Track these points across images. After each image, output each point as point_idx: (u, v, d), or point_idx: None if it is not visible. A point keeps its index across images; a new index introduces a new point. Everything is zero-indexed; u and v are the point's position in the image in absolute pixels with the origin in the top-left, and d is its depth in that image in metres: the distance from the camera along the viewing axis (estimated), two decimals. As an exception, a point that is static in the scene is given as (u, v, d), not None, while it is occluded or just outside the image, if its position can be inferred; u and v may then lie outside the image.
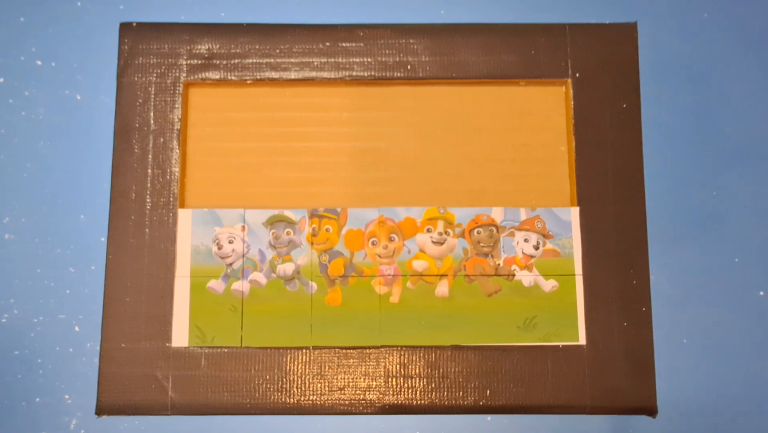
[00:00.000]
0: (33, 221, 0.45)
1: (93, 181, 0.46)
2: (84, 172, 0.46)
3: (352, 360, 0.38)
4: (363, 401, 0.38)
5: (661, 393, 0.39)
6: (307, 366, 0.38)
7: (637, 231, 0.40)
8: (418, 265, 0.39)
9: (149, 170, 0.40)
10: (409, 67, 0.41)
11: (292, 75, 0.41)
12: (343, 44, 0.41)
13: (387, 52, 0.41)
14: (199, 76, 0.41)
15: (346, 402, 0.38)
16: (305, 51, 0.41)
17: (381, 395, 0.38)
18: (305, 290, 0.39)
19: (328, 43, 0.41)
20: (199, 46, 0.41)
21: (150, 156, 0.40)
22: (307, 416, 0.40)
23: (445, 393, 0.38)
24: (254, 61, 0.41)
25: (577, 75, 0.41)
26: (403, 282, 0.39)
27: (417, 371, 0.38)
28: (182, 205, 0.40)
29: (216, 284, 0.39)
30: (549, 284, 0.39)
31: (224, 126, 0.42)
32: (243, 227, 0.39)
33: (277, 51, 0.41)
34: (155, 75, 0.41)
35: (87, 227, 0.45)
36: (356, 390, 0.38)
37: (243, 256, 0.39)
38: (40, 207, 0.46)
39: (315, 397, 0.38)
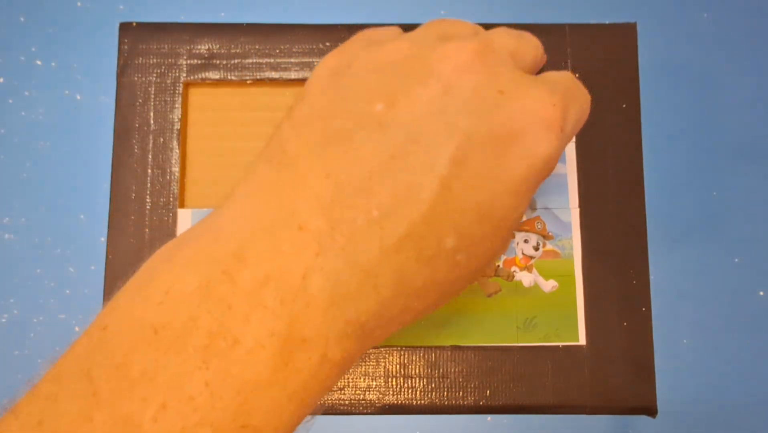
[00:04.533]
0: (33, 221, 0.45)
1: (93, 181, 0.46)
2: (84, 172, 0.46)
3: (352, 360, 0.38)
4: (363, 401, 0.38)
5: (661, 393, 0.39)
6: (307, 366, 0.38)
7: (637, 231, 0.40)
8: (418, 265, 0.39)
9: (149, 170, 0.40)
10: (409, 67, 0.41)
11: (292, 75, 0.41)
12: (343, 44, 0.41)
13: (387, 52, 0.41)
14: (199, 76, 0.41)
15: (346, 402, 0.38)
16: (305, 51, 0.41)
17: (381, 395, 0.38)
18: (305, 290, 0.39)
19: (328, 43, 0.41)
20: (199, 46, 0.41)
21: (150, 156, 0.40)
22: (307, 416, 0.40)
23: (445, 393, 0.38)
24: (254, 61, 0.41)
25: (577, 75, 0.41)
26: (403, 282, 0.39)
27: (417, 371, 0.38)
28: (182, 205, 0.40)
29: (216, 284, 0.39)
30: (549, 285, 0.39)
31: (224, 126, 0.42)
32: (243, 227, 0.39)
33: (277, 51, 0.41)
34: (155, 75, 0.41)
35: (87, 227, 0.45)
36: (356, 390, 0.38)
37: (243, 256, 0.39)
38: (40, 207, 0.46)
39: (315, 397, 0.38)
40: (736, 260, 0.45)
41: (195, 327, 0.17)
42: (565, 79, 0.24)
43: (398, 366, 0.38)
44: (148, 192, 0.40)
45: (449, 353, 0.38)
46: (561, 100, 0.21)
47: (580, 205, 0.40)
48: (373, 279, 0.19)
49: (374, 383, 0.38)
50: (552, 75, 0.24)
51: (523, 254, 0.39)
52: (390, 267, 0.19)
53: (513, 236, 0.22)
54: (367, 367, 0.38)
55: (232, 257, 0.18)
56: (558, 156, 0.21)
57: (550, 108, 0.21)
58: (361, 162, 0.19)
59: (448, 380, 0.38)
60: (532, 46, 0.24)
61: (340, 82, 0.22)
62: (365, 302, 0.19)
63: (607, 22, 0.42)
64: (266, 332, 0.18)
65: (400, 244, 0.19)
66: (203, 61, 0.41)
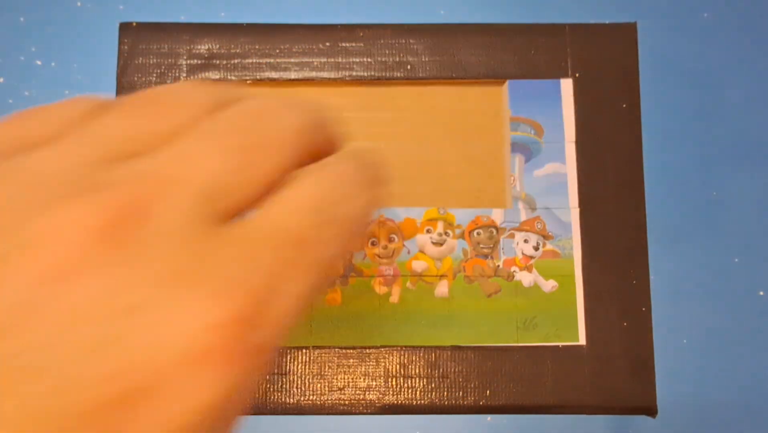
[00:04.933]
0: (33, 221, 0.45)
1: (93, 182, 0.46)
2: (84, 172, 0.46)
3: (352, 360, 0.38)
4: (363, 401, 0.38)
5: (661, 393, 0.39)
6: (307, 366, 0.38)
7: (637, 231, 0.40)
8: (418, 265, 0.39)
9: (149, 170, 0.40)
10: (409, 67, 0.41)
11: (292, 75, 0.41)
12: (343, 44, 0.41)
13: (387, 52, 0.41)
14: (199, 76, 0.41)
15: (346, 402, 0.38)
16: (305, 51, 0.41)
17: (381, 395, 0.38)
18: (305, 290, 0.39)
19: (328, 43, 0.41)
20: (199, 46, 0.41)
21: (150, 156, 0.40)
22: (307, 416, 0.40)
23: (445, 393, 0.38)
24: (254, 61, 0.41)
25: (577, 75, 0.41)
26: (403, 282, 0.39)
27: (417, 371, 0.38)
28: (182, 206, 0.40)
29: (216, 284, 0.39)
30: (549, 285, 0.39)
31: (224, 126, 0.42)
32: (243, 227, 0.39)
33: (277, 51, 0.41)
34: (155, 75, 0.41)
35: (87, 227, 0.45)
36: (356, 390, 0.38)
37: (243, 256, 0.39)
38: (40, 207, 0.46)
39: (315, 397, 0.38)
40: (736, 260, 0.45)
41: None
42: (293, 221, 0.14)
43: (398, 366, 0.38)
44: (148, 192, 0.40)
45: (449, 353, 0.38)
46: (244, 302, 0.12)
47: (580, 205, 0.40)
48: None
49: (374, 383, 0.38)
50: (272, 216, 0.14)
51: (523, 254, 0.39)
52: None
53: None
54: (367, 367, 0.38)
55: None
56: (244, 383, 0.13)
57: (212, 332, 0.12)
58: None
59: (448, 380, 0.38)
60: (264, 158, 0.14)
61: None
62: None
63: (607, 22, 0.42)
64: None
65: None
66: (203, 61, 0.41)
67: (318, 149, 0.16)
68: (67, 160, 0.13)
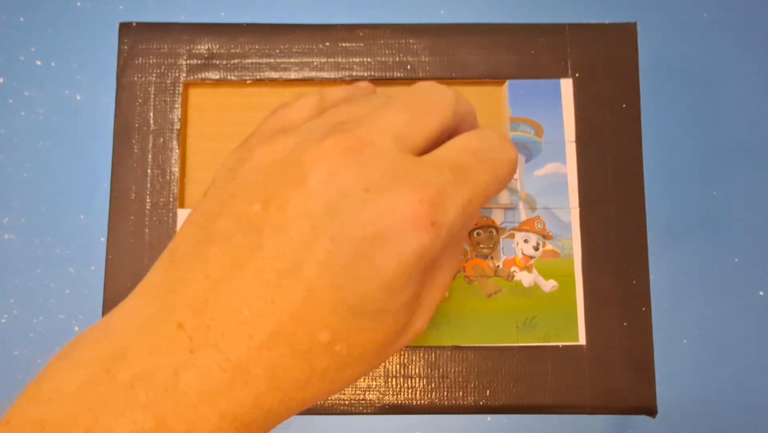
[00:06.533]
0: (33, 221, 0.45)
1: (93, 181, 0.46)
2: (84, 172, 0.46)
3: (352, 360, 0.38)
4: (363, 401, 0.38)
5: (661, 393, 0.39)
6: (307, 366, 0.38)
7: (637, 231, 0.40)
8: (418, 265, 0.39)
9: (149, 170, 0.40)
10: (409, 67, 0.41)
11: (292, 75, 0.41)
12: (343, 44, 0.41)
13: (387, 52, 0.41)
14: (199, 76, 0.41)
15: (346, 402, 0.38)
16: (305, 51, 0.41)
17: (381, 395, 0.38)
18: (305, 290, 0.39)
19: (328, 43, 0.41)
20: (199, 46, 0.41)
21: (150, 156, 0.40)
22: (307, 416, 0.40)
23: (445, 393, 0.38)
24: (254, 61, 0.41)
25: (577, 75, 0.41)
26: (403, 282, 0.39)
27: (417, 371, 0.38)
28: (182, 205, 0.40)
29: (216, 284, 0.39)
30: (549, 285, 0.39)
31: (224, 126, 0.42)
32: (243, 227, 0.39)
33: (277, 51, 0.41)
34: (155, 75, 0.41)
35: (87, 227, 0.45)
36: (356, 390, 0.38)
37: (243, 256, 0.39)
38: (40, 207, 0.45)
39: (315, 397, 0.38)
40: (736, 259, 0.45)
41: (75, 424, 0.18)
42: (459, 155, 0.23)
43: (398, 366, 0.38)
44: (148, 192, 0.40)
45: (449, 353, 0.38)
46: (432, 193, 0.21)
47: (580, 205, 0.40)
48: (243, 374, 0.20)
49: (374, 383, 0.38)
50: (446, 151, 0.23)
51: (523, 253, 0.39)
52: (261, 362, 0.20)
53: (410, 317, 0.23)
54: (367, 367, 0.38)
55: (115, 355, 0.19)
56: (436, 247, 0.21)
57: (416, 206, 0.20)
58: (234, 263, 0.20)
59: (448, 380, 0.38)
60: (432, 117, 0.23)
61: (234, 179, 0.23)
62: (237, 396, 0.20)
63: (607, 22, 0.42)
64: (136, 428, 0.18)
65: (270, 341, 0.20)
66: (203, 61, 0.41)
67: (462, 120, 0.25)
68: (324, 122, 0.24)
